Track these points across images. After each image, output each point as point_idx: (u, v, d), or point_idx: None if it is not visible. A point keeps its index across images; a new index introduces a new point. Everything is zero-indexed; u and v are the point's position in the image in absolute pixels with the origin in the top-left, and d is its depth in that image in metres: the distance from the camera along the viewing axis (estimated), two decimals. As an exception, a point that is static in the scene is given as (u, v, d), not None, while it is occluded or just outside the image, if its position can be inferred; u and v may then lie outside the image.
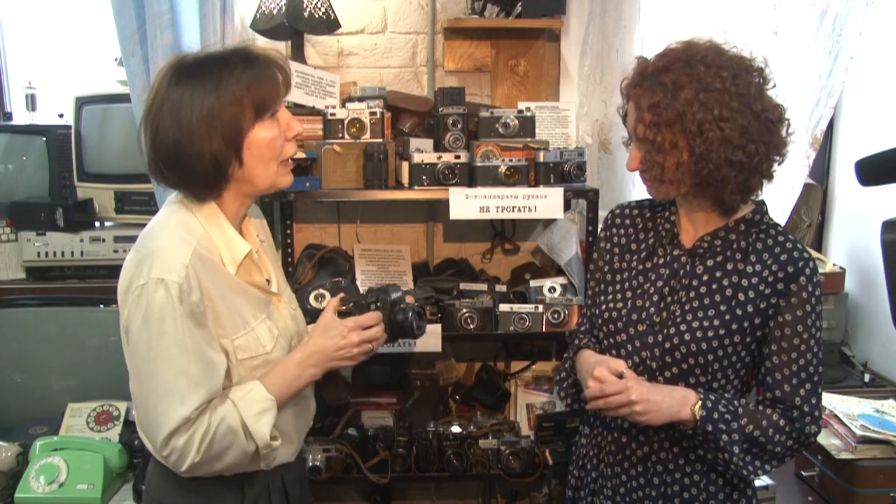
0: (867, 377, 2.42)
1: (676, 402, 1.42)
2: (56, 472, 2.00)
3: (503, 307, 2.19)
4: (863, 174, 1.77)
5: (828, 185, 2.80)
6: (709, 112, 1.36)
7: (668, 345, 1.48)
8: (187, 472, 1.41)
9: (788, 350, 1.44)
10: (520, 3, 2.40)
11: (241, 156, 1.40)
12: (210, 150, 1.37)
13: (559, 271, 2.37)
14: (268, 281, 1.55)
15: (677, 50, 1.43)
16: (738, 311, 1.45)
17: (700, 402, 1.42)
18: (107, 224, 2.50)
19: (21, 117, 2.58)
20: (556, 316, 2.17)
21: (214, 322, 1.41)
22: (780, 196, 2.39)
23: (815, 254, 2.65)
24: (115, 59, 2.45)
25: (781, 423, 1.45)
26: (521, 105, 2.27)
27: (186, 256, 1.37)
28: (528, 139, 2.21)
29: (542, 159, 2.15)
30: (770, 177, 1.46)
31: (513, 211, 2.11)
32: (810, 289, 1.44)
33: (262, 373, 1.48)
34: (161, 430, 1.36)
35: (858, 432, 1.91)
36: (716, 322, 1.45)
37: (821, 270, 2.52)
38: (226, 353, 1.43)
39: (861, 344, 2.59)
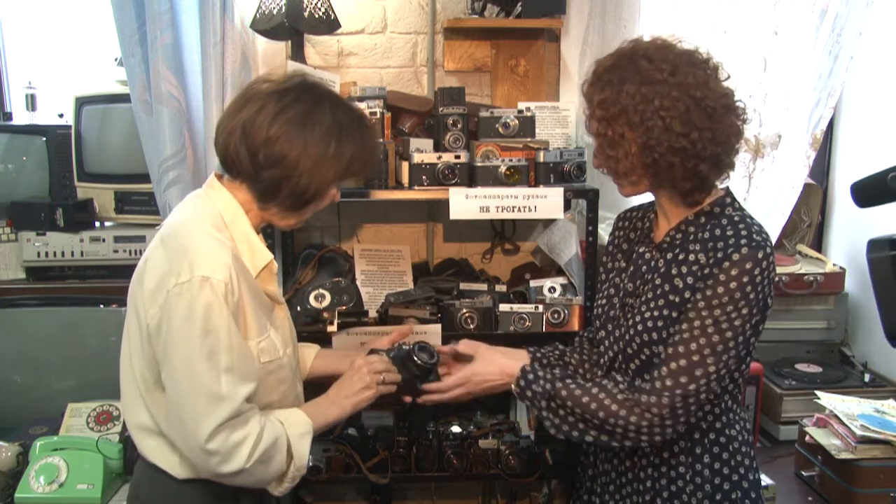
0: (867, 377, 2.41)
1: (497, 377, 1.66)
2: (56, 472, 2.00)
3: (503, 307, 2.19)
4: (858, 196, 1.81)
5: (828, 185, 2.80)
6: (649, 104, 1.40)
7: (626, 337, 1.54)
8: (223, 476, 1.40)
9: (681, 322, 1.44)
10: (520, 3, 2.40)
11: (321, 199, 1.49)
12: (315, 183, 1.44)
13: (559, 271, 2.37)
14: None
15: (625, 48, 1.48)
16: (676, 299, 1.47)
17: (516, 379, 1.60)
18: (107, 224, 2.50)
19: (21, 117, 2.58)
20: (556, 316, 2.17)
21: (244, 324, 1.42)
22: (780, 196, 2.39)
23: (813, 253, 2.66)
24: (115, 59, 2.44)
25: (614, 407, 1.47)
26: (521, 105, 2.27)
27: (228, 257, 1.37)
28: (528, 139, 2.21)
29: (542, 159, 2.14)
30: (727, 165, 1.47)
31: (513, 211, 2.11)
32: (733, 273, 1.40)
33: (277, 377, 1.51)
34: (205, 427, 1.34)
35: (858, 432, 1.91)
36: (665, 312, 1.48)
37: (821, 270, 2.53)
38: None
39: (861, 344, 2.59)
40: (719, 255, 1.43)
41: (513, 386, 1.61)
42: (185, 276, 1.34)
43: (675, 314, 1.47)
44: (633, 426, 1.45)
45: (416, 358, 1.67)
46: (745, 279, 1.40)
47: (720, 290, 1.41)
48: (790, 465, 2.13)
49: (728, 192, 1.53)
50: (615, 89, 1.43)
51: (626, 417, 1.45)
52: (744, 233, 1.44)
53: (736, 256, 1.41)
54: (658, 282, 1.51)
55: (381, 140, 1.57)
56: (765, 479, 1.96)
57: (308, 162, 1.41)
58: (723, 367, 1.43)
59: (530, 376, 1.58)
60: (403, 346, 1.71)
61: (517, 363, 1.64)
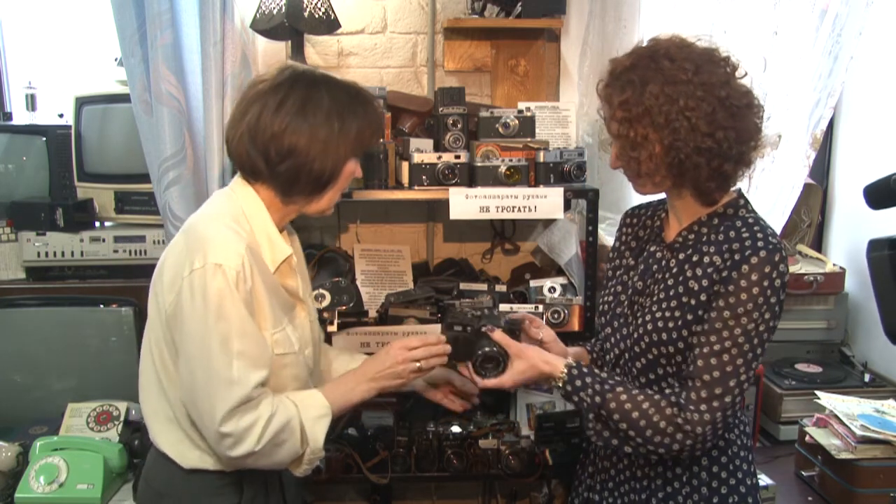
0: (867, 377, 2.41)
1: (536, 378, 1.58)
2: (56, 472, 2.00)
3: (503, 307, 2.19)
4: (870, 199, 1.83)
5: (828, 185, 2.80)
6: (674, 104, 1.39)
7: (635, 335, 1.53)
8: (235, 461, 1.44)
9: (708, 332, 1.42)
10: (520, 3, 2.40)
11: (337, 178, 1.51)
12: (329, 164, 1.47)
13: (559, 271, 2.37)
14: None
15: (643, 48, 1.47)
16: (692, 301, 1.46)
17: (563, 383, 1.52)
18: (107, 224, 2.50)
19: (21, 117, 2.58)
20: (556, 316, 2.17)
21: (259, 314, 1.45)
22: (780, 196, 2.39)
23: (813, 253, 2.66)
24: (115, 59, 2.44)
25: (662, 424, 1.43)
26: (521, 105, 2.27)
27: (242, 246, 1.41)
28: (528, 139, 2.21)
29: (542, 159, 2.14)
30: (747, 163, 1.47)
31: (513, 211, 2.11)
32: (754, 278, 1.39)
33: (292, 373, 1.53)
34: (219, 411, 1.38)
35: (858, 432, 1.91)
36: (676, 313, 1.47)
37: (821, 270, 2.53)
38: None
39: (861, 344, 2.59)
40: (736, 257, 1.41)
41: (558, 386, 1.54)
42: (199, 263, 1.38)
43: (689, 316, 1.45)
44: (677, 443, 1.43)
45: (479, 366, 1.58)
46: (766, 283, 1.39)
47: (743, 296, 1.39)
48: (790, 465, 2.13)
49: (740, 193, 1.52)
50: (637, 90, 1.41)
51: (673, 435, 1.42)
52: (759, 235, 1.43)
53: (754, 259, 1.40)
54: (670, 282, 1.50)
55: (381, 105, 1.62)
56: (765, 479, 1.96)
57: (318, 145, 1.45)
58: (751, 374, 1.43)
59: (578, 382, 1.51)
60: (482, 330, 1.60)
61: (558, 362, 1.55)
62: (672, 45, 1.44)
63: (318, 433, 1.49)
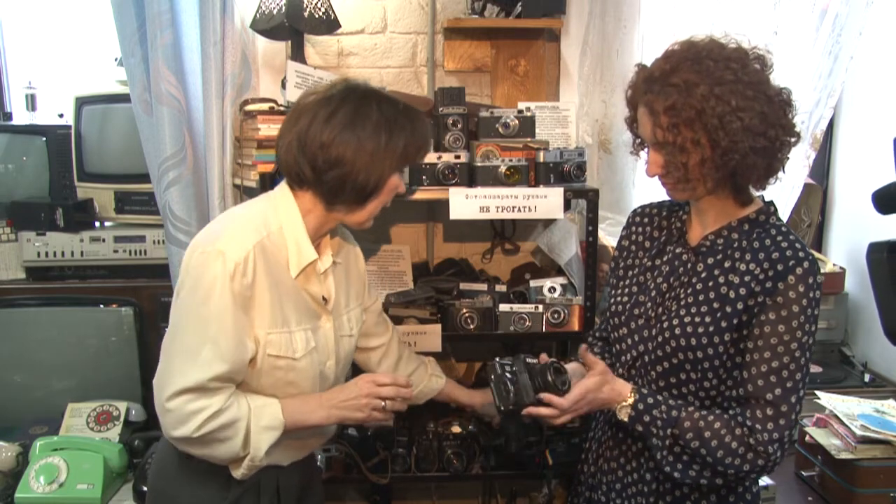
0: (867, 377, 2.42)
1: (607, 396, 1.50)
2: (56, 472, 2.00)
3: (503, 307, 2.19)
4: (879, 205, 1.82)
5: (828, 185, 2.80)
6: (726, 104, 1.36)
7: (660, 338, 1.50)
8: (174, 440, 1.47)
9: (763, 348, 1.41)
10: (520, 3, 2.40)
11: (380, 191, 1.53)
12: (374, 176, 1.49)
13: (559, 271, 2.37)
14: (324, 299, 1.61)
15: (680, 51, 1.43)
16: (728, 308, 1.44)
17: (634, 402, 1.47)
18: (107, 224, 2.50)
19: (21, 117, 2.58)
20: (556, 316, 2.17)
21: (256, 310, 1.47)
22: (780, 196, 2.39)
23: (815, 254, 2.65)
24: (115, 59, 2.45)
25: (734, 444, 1.41)
26: (521, 105, 2.27)
27: (251, 242, 1.46)
28: (528, 139, 2.21)
29: (542, 159, 2.14)
30: (786, 160, 1.46)
31: (513, 211, 2.11)
32: (801, 290, 1.39)
33: (285, 378, 1.53)
34: (171, 385, 1.42)
35: (858, 432, 1.91)
36: (707, 318, 1.45)
37: (821, 270, 2.53)
38: (256, 342, 1.49)
39: (861, 344, 2.59)
40: (779, 267, 1.40)
41: (625, 409, 1.48)
42: (209, 248, 1.44)
43: (723, 323, 1.44)
44: (748, 464, 1.41)
45: (555, 381, 1.49)
46: (811, 294, 1.40)
47: (795, 308, 1.39)
48: (790, 465, 2.13)
49: (769, 201, 1.51)
50: (684, 93, 1.37)
51: (744, 455, 1.41)
52: (798, 245, 1.43)
53: (799, 270, 1.39)
54: (698, 287, 1.48)
55: (428, 122, 1.61)
56: (765, 479, 1.96)
57: (364, 157, 1.47)
58: (805, 387, 1.42)
59: (650, 399, 1.47)
60: (529, 363, 1.53)
61: (624, 382, 1.51)
62: (709, 45, 1.41)
63: (262, 443, 1.49)
